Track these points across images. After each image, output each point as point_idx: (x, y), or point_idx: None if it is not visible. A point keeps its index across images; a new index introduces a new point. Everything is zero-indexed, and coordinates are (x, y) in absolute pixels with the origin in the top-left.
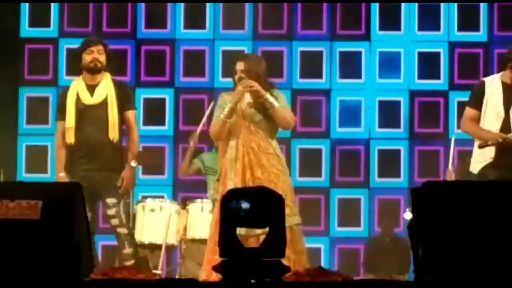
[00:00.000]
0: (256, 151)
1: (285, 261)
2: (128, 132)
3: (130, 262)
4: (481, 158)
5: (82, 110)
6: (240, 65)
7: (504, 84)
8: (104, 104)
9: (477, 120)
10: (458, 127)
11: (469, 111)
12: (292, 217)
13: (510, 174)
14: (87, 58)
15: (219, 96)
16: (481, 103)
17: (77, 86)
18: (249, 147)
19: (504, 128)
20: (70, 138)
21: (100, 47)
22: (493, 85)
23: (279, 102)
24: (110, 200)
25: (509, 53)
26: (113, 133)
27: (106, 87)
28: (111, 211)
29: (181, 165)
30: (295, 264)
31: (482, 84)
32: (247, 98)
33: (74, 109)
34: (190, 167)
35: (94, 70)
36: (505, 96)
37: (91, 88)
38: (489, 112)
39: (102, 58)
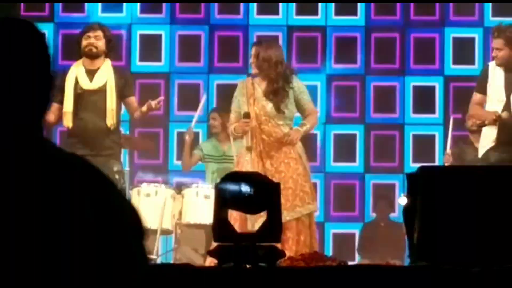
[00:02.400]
0: (266, 142)
1: (287, 251)
2: (132, 112)
3: None
4: (485, 142)
5: (81, 95)
6: (252, 50)
7: (506, 69)
8: (103, 90)
9: (484, 104)
10: (454, 111)
11: (475, 96)
12: (303, 207)
13: (511, 156)
14: (84, 43)
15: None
16: (486, 88)
17: (76, 70)
18: (260, 138)
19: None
20: (68, 123)
21: (98, 33)
22: (496, 69)
23: (301, 94)
24: None
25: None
26: (111, 120)
27: (106, 73)
28: None
29: (183, 160)
30: (296, 254)
31: (486, 68)
32: (261, 85)
33: (72, 94)
34: (192, 159)
35: (91, 55)
36: (506, 81)
37: (91, 73)
38: (492, 96)
39: (100, 43)
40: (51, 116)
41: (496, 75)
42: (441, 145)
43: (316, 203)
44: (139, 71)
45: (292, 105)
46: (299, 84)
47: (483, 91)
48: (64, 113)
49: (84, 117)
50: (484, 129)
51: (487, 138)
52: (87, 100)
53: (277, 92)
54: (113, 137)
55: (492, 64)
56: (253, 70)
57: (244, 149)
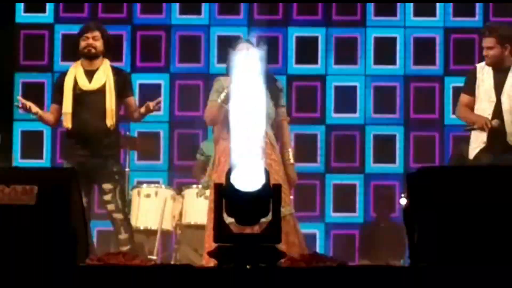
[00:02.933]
0: None
1: None
2: (131, 112)
3: (126, 248)
4: (475, 144)
5: (80, 96)
6: (247, 45)
7: (493, 69)
8: (102, 90)
9: (472, 105)
10: (453, 112)
11: (462, 97)
12: (284, 208)
13: (502, 158)
14: (82, 44)
15: (215, 80)
16: (474, 89)
17: (75, 71)
18: None
19: (496, 112)
20: (68, 123)
21: (96, 33)
22: (484, 70)
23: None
24: (106, 186)
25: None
26: (111, 120)
27: (104, 73)
28: (107, 197)
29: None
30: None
31: (474, 69)
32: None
33: (71, 95)
34: (198, 166)
35: (90, 56)
36: (495, 81)
37: (89, 74)
38: (482, 97)
39: (98, 44)
40: (50, 117)
41: (485, 76)
42: (441, 146)
43: (289, 208)
44: (140, 72)
45: (271, 104)
46: (278, 84)
47: (471, 92)
48: (63, 113)
49: (84, 117)
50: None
51: (477, 140)
52: (86, 101)
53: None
54: (113, 138)
55: (480, 65)
56: None
57: (226, 147)
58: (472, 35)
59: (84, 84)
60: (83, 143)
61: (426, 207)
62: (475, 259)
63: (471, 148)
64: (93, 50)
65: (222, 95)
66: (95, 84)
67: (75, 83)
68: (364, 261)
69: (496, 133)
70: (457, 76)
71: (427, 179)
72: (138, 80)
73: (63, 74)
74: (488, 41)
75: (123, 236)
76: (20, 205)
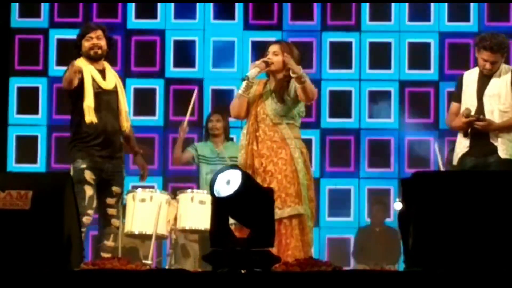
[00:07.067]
0: (260, 139)
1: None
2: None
3: (107, 255)
4: (459, 149)
5: (98, 95)
6: (273, 47)
7: (480, 74)
8: (115, 91)
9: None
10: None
11: (452, 106)
12: (282, 210)
13: (484, 161)
14: (86, 44)
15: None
16: (461, 96)
17: (87, 68)
18: (254, 135)
19: (478, 114)
20: (92, 117)
21: (99, 32)
22: (470, 76)
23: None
24: (116, 189)
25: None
26: (126, 122)
27: (113, 74)
28: (112, 200)
29: (174, 154)
30: (286, 259)
31: (461, 77)
32: (271, 84)
33: (92, 91)
34: (183, 155)
35: (95, 57)
36: (479, 85)
37: (101, 73)
38: (464, 102)
39: (102, 43)
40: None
41: (470, 82)
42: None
43: (301, 207)
44: (135, 76)
45: (294, 102)
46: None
47: (459, 100)
48: (86, 107)
49: (103, 117)
50: (458, 136)
51: (461, 145)
52: (104, 100)
53: (284, 87)
54: (124, 139)
55: (467, 72)
56: (281, 66)
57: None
58: (467, 39)
59: (102, 82)
60: (103, 144)
61: (421, 212)
62: (470, 264)
63: (456, 153)
64: (99, 51)
65: (242, 85)
66: (109, 84)
67: (93, 80)
68: (359, 265)
69: (476, 138)
70: (452, 81)
71: (422, 183)
72: (133, 85)
73: (74, 65)
74: (487, 55)
75: (110, 243)
76: (15, 209)
